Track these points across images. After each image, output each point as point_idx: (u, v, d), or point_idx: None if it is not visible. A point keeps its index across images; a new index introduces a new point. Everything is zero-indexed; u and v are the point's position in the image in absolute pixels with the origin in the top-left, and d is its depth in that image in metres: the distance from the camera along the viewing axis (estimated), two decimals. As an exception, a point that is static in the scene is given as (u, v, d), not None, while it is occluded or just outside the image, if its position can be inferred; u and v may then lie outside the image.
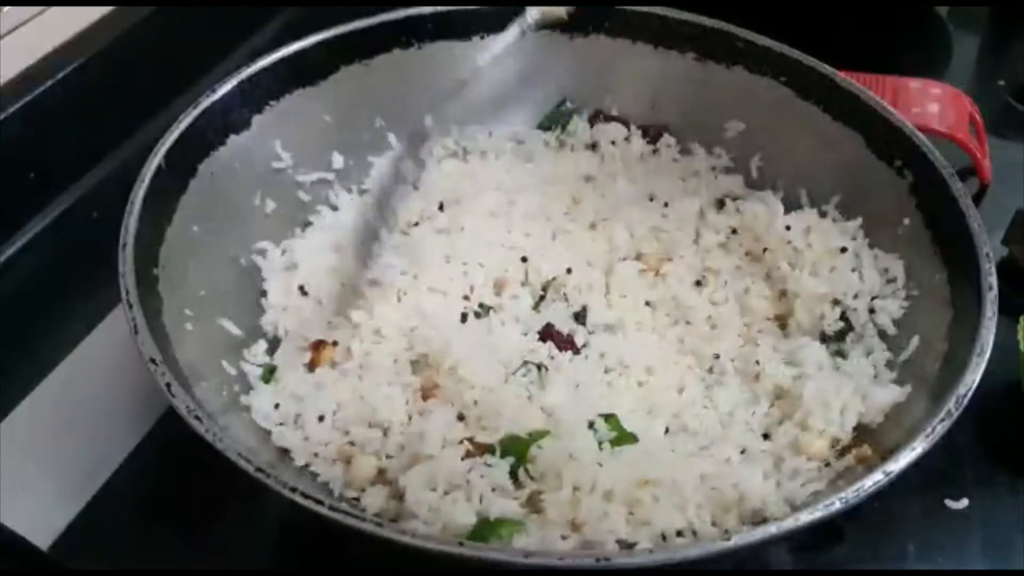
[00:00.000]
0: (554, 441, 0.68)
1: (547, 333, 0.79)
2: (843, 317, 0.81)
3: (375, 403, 0.71)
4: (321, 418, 0.70)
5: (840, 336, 0.80)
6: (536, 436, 0.68)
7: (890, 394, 0.72)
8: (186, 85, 1.03)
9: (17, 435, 0.77)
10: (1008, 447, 0.80)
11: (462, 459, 0.67)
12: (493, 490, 0.66)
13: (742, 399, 0.77)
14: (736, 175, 0.93)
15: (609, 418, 0.72)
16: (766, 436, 0.73)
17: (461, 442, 0.68)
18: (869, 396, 0.72)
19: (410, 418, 0.71)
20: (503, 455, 0.67)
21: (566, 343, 0.79)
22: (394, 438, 0.70)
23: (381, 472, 0.69)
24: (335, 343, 0.77)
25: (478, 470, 0.66)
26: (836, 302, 0.81)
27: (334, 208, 0.89)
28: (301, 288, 0.81)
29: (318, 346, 0.76)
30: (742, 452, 0.71)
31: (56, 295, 0.88)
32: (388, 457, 0.69)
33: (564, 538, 0.63)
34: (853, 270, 0.82)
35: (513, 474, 0.67)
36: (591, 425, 0.71)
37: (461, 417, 0.71)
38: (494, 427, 0.70)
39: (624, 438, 0.71)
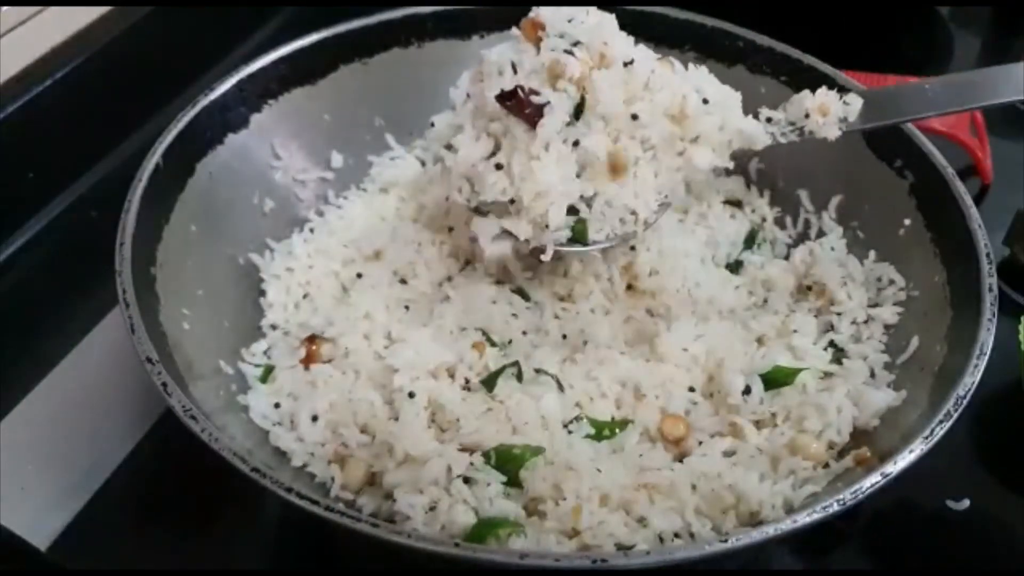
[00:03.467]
0: (550, 457, 0.67)
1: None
2: (853, 322, 0.80)
3: (357, 405, 0.71)
4: (315, 418, 0.70)
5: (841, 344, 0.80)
6: (530, 452, 0.67)
7: (885, 398, 0.71)
8: (184, 84, 1.03)
9: (16, 435, 0.77)
10: (1009, 448, 0.80)
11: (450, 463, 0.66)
12: (488, 485, 0.65)
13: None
14: (737, 176, 0.92)
15: (578, 418, 0.71)
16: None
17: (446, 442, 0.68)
18: (864, 399, 0.72)
19: (397, 419, 0.70)
20: (497, 466, 0.66)
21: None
22: (380, 439, 0.69)
23: (372, 474, 0.69)
24: (329, 339, 0.76)
25: (471, 481, 0.65)
26: (839, 314, 0.80)
27: (333, 207, 0.89)
28: (300, 288, 0.81)
29: (312, 340, 0.76)
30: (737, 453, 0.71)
31: (55, 295, 0.88)
32: (377, 458, 0.69)
33: (563, 540, 0.63)
34: (852, 280, 0.82)
35: (511, 484, 0.66)
36: (566, 426, 0.71)
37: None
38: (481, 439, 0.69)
39: (601, 430, 0.70)
